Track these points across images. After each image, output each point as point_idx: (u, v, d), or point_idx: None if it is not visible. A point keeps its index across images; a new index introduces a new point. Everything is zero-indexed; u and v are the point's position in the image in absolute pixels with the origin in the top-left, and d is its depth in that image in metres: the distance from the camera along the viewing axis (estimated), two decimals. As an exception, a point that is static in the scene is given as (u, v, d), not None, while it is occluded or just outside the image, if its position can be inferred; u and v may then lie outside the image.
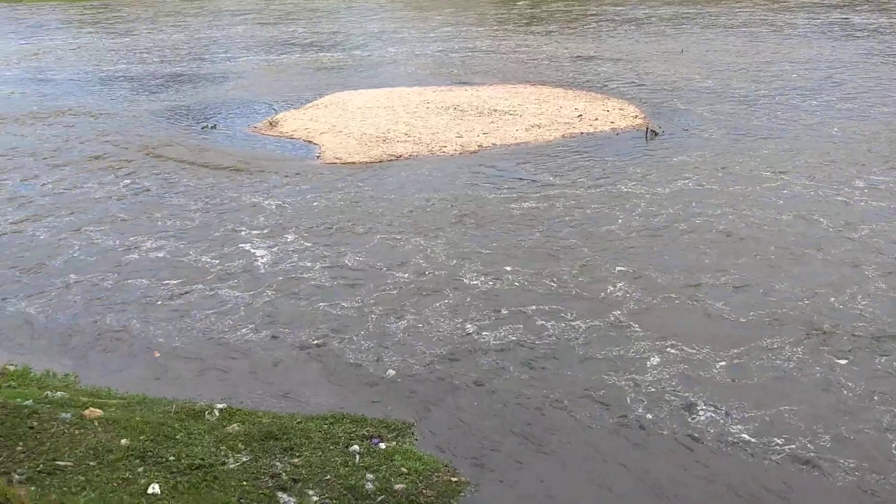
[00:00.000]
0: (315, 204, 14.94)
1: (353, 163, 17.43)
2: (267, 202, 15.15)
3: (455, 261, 12.16)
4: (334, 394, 8.74)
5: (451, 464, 7.28)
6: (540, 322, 10.12)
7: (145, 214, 14.72)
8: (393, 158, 17.59)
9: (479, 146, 18.16)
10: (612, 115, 20.35)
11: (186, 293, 11.41)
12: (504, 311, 10.45)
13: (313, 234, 13.45)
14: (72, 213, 14.86)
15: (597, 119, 19.93)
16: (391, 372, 9.11)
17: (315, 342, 9.87)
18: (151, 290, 11.60)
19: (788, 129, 18.71)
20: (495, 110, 20.87)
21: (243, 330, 10.28)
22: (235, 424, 7.54)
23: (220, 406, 7.99)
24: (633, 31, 33.92)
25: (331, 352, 9.66)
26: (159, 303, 11.15)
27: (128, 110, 23.30)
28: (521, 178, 15.94)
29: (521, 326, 10.02)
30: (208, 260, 12.55)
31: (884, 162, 16.18)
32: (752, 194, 14.52)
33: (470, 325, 10.12)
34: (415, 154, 17.80)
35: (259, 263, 12.35)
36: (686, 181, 15.36)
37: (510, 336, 9.80)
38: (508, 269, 11.76)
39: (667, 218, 13.58)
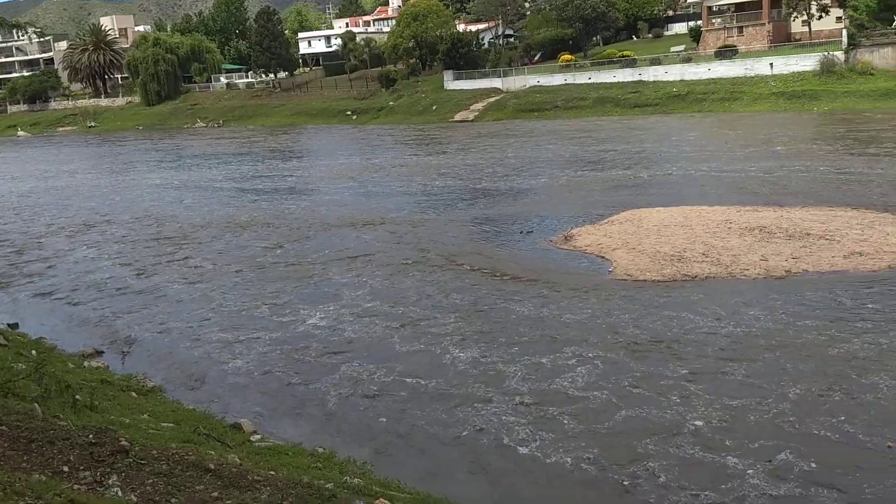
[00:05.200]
0: (599, 321, 14.77)
1: (645, 280, 17.05)
2: (547, 312, 15.35)
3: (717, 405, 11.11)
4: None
5: None
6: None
7: (461, 319, 15.62)
8: (688, 279, 16.90)
9: (786, 271, 16.77)
10: (954, 245, 17.68)
11: (488, 401, 11.76)
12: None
13: (622, 353, 13.24)
14: (384, 306, 16.36)
15: (934, 249, 17.44)
16: None
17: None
18: (447, 393, 12.15)
19: None
20: (808, 234, 19.24)
21: (554, 457, 10.26)
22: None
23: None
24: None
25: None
26: (455, 405, 11.61)
27: (434, 221, 25.42)
28: (833, 312, 14.27)
29: None
30: (504, 367, 12.92)
31: None
32: None
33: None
34: (712, 275, 16.93)
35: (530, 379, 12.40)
36: None
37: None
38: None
39: None
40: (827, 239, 18.73)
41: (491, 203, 28.16)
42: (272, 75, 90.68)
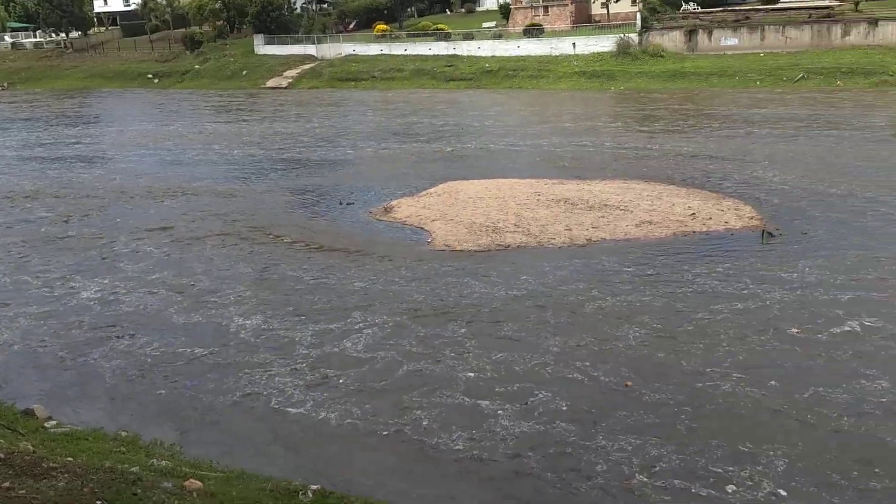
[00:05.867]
0: (398, 288, 15.08)
1: (462, 251, 17.55)
2: (371, 285, 15.41)
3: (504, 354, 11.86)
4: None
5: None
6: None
7: (259, 290, 15.21)
8: (501, 248, 17.61)
9: (587, 240, 17.96)
10: (726, 214, 19.77)
11: (284, 369, 11.60)
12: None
13: (408, 318, 13.49)
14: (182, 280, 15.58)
15: (710, 218, 19.39)
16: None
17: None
18: (252, 365, 11.86)
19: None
20: (606, 205, 20.70)
21: (324, 414, 10.28)
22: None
23: (314, 487, 7.95)
24: (750, 131, 33.12)
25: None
26: (257, 376, 11.36)
27: (244, 191, 24.57)
28: (603, 275, 15.55)
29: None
30: (289, 334, 12.82)
31: None
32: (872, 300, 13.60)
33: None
34: (523, 245, 17.77)
35: (347, 346, 12.47)
36: (806, 283, 14.57)
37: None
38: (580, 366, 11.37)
39: (784, 319, 12.90)
40: (622, 209, 20.25)
41: (304, 173, 27.62)
42: (63, 35, 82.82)
